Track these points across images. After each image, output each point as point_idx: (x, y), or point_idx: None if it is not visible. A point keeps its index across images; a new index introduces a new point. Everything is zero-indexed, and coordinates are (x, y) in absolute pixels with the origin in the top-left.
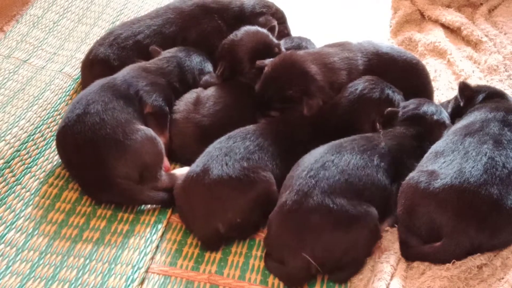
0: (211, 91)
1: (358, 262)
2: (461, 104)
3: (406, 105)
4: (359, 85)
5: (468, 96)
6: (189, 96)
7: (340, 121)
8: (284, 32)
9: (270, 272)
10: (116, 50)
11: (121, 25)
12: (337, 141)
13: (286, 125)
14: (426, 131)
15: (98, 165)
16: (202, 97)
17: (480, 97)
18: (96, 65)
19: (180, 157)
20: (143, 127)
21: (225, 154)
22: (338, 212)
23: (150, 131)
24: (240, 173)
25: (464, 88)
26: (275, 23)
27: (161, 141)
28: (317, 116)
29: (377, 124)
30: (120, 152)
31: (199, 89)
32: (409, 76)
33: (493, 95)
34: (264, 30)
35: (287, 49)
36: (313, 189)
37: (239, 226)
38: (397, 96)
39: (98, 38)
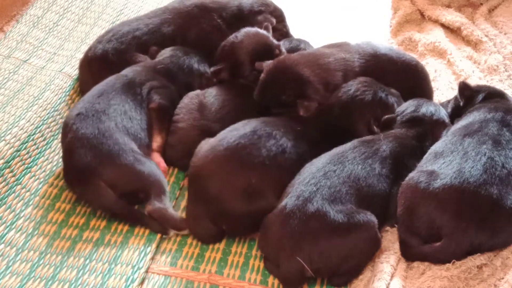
0: (214, 94)
1: (357, 268)
2: (461, 104)
3: (404, 108)
4: (352, 86)
5: (468, 96)
6: (190, 102)
7: (336, 121)
8: (283, 31)
9: (270, 273)
10: (114, 45)
11: (120, 24)
12: (339, 150)
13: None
14: (426, 131)
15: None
16: (206, 102)
17: (480, 97)
18: (94, 62)
19: (180, 166)
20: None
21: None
22: (337, 219)
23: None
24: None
25: (464, 88)
26: (273, 21)
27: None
28: (317, 116)
29: (373, 126)
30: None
31: (198, 92)
32: (408, 78)
33: (492, 95)
34: (264, 32)
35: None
36: (314, 195)
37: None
38: (391, 99)
39: (99, 36)
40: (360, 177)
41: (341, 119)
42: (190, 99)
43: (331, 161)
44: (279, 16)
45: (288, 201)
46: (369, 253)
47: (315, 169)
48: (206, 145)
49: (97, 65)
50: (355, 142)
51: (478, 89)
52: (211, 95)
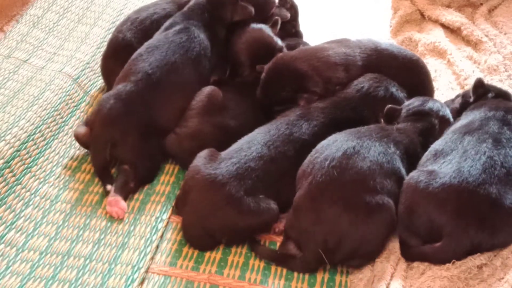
0: (229, 94)
1: (373, 252)
2: (471, 100)
3: (410, 102)
4: (365, 83)
5: (481, 94)
6: (204, 99)
7: (349, 119)
8: (291, 31)
9: (281, 260)
10: (136, 34)
11: (136, 11)
12: (354, 129)
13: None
14: (431, 126)
15: None
16: (222, 99)
17: (489, 96)
18: (120, 52)
19: (183, 163)
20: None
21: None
22: (357, 204)
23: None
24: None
25: (478, 85)
26: (288, 16)
27: None
28: (330, 114)
29: (381, 119)
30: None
31: (214, 88)
32: (410, 73)
33: (499, 96)
34: (269, 32)
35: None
36: (336, 181)
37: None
38: (401, 94)
39: (117, 26)
40: (380, 152)
41: (355, 116)
42: (205, 95)
43: (350, 138)
44: (292, 14)
45: (310, 187)
46: (385, 235)
47: (335, 148)
48: (219, 156)
49: (122, 54)
50: (369, 125)
51: (489, 89)
52: (226, 94)
